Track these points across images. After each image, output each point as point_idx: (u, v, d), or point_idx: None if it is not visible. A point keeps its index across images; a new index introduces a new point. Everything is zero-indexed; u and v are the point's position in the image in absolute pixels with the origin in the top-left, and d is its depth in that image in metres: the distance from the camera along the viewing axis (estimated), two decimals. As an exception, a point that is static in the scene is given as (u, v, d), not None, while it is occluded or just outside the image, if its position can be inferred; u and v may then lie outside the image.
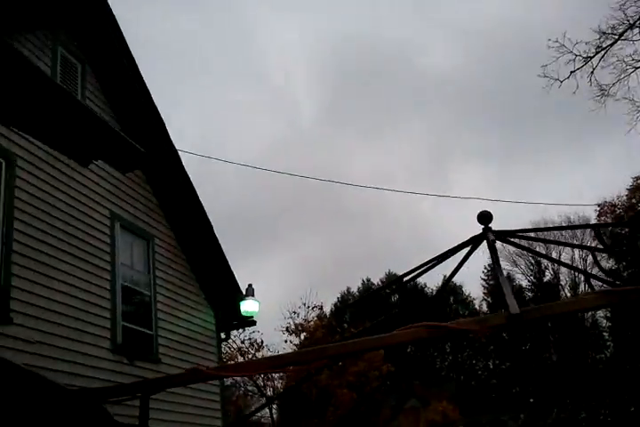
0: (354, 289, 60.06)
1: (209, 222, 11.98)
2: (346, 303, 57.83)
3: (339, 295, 58.24)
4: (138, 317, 9.66)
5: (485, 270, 58.11)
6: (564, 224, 52.99)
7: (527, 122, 62.79)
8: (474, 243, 5.14)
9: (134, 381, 8.40)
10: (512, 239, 5.27)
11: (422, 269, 4.97)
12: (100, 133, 4.07)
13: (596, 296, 2.87)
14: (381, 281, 60.51)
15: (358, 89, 65.82)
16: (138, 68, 10.68)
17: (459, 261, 5.29)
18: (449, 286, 56.80)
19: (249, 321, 12.68)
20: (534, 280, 57.41)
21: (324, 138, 65.62)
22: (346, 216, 65.57)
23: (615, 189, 61.46)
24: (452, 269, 5.69)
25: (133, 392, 3.67)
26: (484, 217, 5.12)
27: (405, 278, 5.32)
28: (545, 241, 35.88)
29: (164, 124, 11.02)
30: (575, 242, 51.23)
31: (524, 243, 6.83)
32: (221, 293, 12.14)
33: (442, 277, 56.99)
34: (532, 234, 6.02)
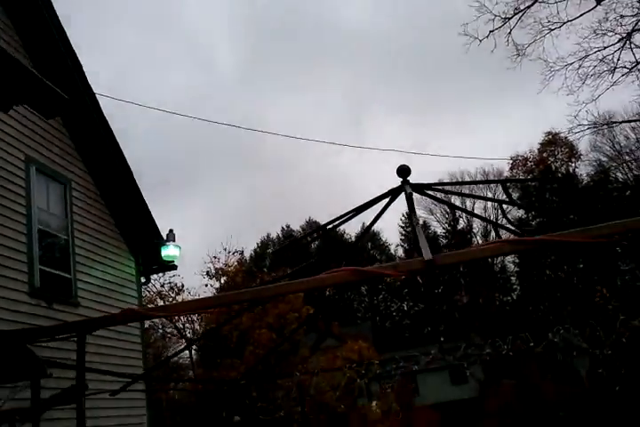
0: (273, 235, 60.59)
1: (128, 167, 11.87)
2: (265, 248, 58.38)
3: (259, 241, 58.65)
4: (55, 261, 9.61)
5: (403, 218, 59.60)
6: (479, 176, 54.71)
7: (445, 78, 63.74)
8: (392, 194, 5.41)
9: (54, 324, 8.48)
10: (428, 192, 5.58)
11: (344, 218, 5.22)
12: (20, 78, 4.04)
13: (502, 244, 3.16)
14: (302, 228, 61.26)
15: (278, 41, 64.95)
16: (53, 7, 10.31)
17: (378, 211, 5.59)
18: (369, 234, 58.12)
19: (169, 266, 12.77)
20: (449, 228, 59.33)
21: (243, 88, 64.72)
22: (266, 165, 65.56)
23: (527, 144, 63.70)
24: (372, 218, 6.00)
25: (70, 331, 3.76)
26: (403, 171, 5.37)
27: (328, 227, 5.59)
28: (458, 194, 37.07)
29: (81, 67, 10.74)
30: (489, 194, 53.21)
31: (440, 195, 7.22)
32: (141, 238, 12.14)
33: (362, 226, 58.15)
34: (448, 187, 6.37)
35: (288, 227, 60.62)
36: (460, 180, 51.92)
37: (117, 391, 4.06)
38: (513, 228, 7.15)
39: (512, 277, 53.84)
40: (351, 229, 59.95)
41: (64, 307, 9.35)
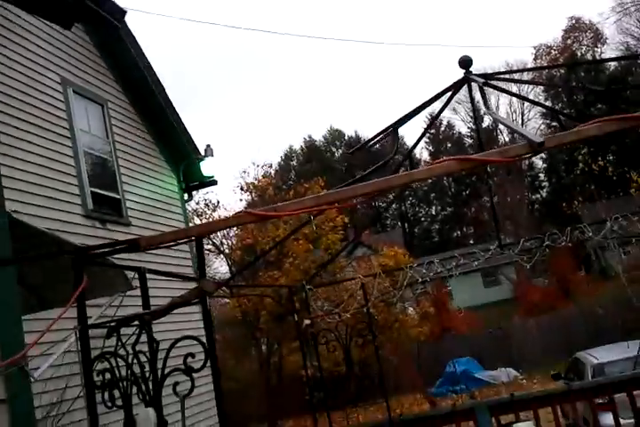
0: (296, 146, 60.22)
1: (160, 82, 11.73)
2: (289, 161, 58.27)
3: (282, 154, 58.40)
4: (104, 182, 9.69)
5: (426, 119, 58.66)
6: (502, 68, 53.36)
7: None
8: (456, 87, 5.28)
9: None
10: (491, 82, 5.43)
11: (411, 114, 5.13)
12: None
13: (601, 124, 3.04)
14: (324, 137, 60.76)
15: None
16: None
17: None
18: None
19: (210, 181, 12.84)
20: (473, 127, 58.44)
21: None
22: (279, 75, 64.22)
23: (549, 32, 61.31)
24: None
25: (187, 237, 3.73)
26: (465, 62, 5.20)
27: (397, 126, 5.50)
28: (523, 82, 35.59)
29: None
30: (513, 86, 51.89)
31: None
32: (180, 154, 12.17)
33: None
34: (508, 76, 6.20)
35: (310, 137, 60.14)
36: (483, 70, 50.77)
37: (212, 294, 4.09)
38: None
39: (540, 174, 53.52)
40: (373, 133, 59.41)
41: (117, 227, 9.52)
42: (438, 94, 5.13)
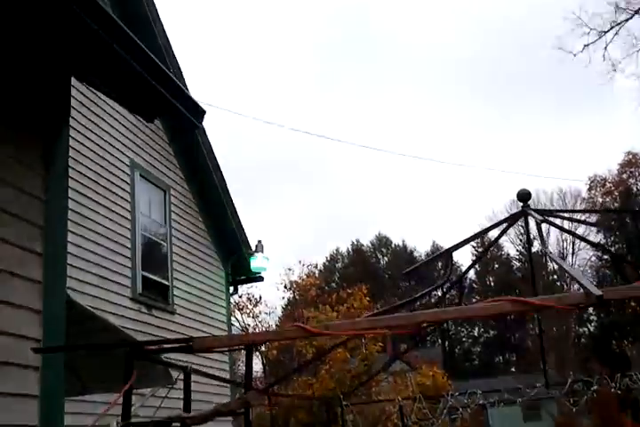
0: (343, 249, 60.31)
1: (222, 176, 11.96)
2: (335, 263, 58.23)
3: (328, 255, 58.48)
4: (155, 267, 9.69)
5: (476, 243, 58.63)
6: (555, 195, 53.54)
7: (516, 95, 62.65)
8: (514, 219, 5.21)
9: (152, 330, 8.52)
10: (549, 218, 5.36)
11: (466, 241, 5.05)
12: (166, 87, 3.99)
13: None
14: (371, 243, 60.91)
15: (351, 56, 65.21)
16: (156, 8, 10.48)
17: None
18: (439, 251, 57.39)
19: (257, 277, 12.78)
20: (522, 250, 57.90)
21: (312, 105, 65.16)
22: (333, 179, 65.61)
23: (605, 164, 61.74)
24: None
25: (240, 344, 3.66)
26: (524, 195, 5.17)
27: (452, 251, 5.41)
28: (578, 221, 35.50)
29: (181, 73, 10.86)
30: (566, 214, 51.61)
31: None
32: (232, 247, 12.19)
33: (432, 244, 56.67)
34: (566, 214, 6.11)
35: (358, 241, 60.31)
36: (535, 199, 51.13)
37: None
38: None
39: (589, 308, 52.07)
40: (421, 245, 59.50)
41: (161, 313, 9.41)
42: (495, 224, 5.09)
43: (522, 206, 4.68)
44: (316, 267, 29.01)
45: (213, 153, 11.69)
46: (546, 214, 5.73)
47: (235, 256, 12.23)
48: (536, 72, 56.89)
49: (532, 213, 4.99)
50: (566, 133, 62.76)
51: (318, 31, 66.72)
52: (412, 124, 65.67)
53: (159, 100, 4.09)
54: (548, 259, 53.70)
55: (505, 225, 5.97)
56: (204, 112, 4.42)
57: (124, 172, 9.37)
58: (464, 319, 56.97)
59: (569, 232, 22.24)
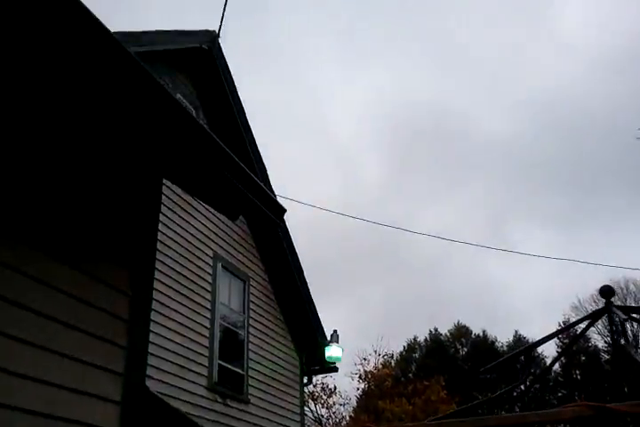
0: (420, 338, 59.03)
1: (300, 266, 12.27)
2: (412, 352, 56.96)
3: (405, 344, 57.30)
4: (232, 356, 9.90)
5: (559, 328, 56.35)
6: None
7: (596, 192, 61.71)
8: (595, 316, 5.19)
9: (226, 420, 8.63)
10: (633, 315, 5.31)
11: (547, 338, 5.05)
12: (249, 189, 4.33)
13: None
14: (449, 332, 59.48)
15: (420, 150, 66.38)
16: (246, 118, 11.24)
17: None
18: (522, 343, 55.36)
19: (331, 367, 12.77)
20: (610, 342, 55.20)
21: (385, 198, 66.02)
22: (410, 268, 65.21)
23: None
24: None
25: None
26: (607, 292, 5.17)
27: (532, 346, 5.41)
28: None
29: (266, 172, 11.44)
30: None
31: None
32: (307, 336, 12.31)
33: (514, 334, 54.88)
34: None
35: (436, 330, 58.98)
36: (624, 288, 49.40)
37: None
38: None
39: None
40: (502, 336, 57.57)
41: (236, 403, 9.53)
42: (578, 321, 5.08)
43: (605, 303, 4.71)
44: (392, 357, 28.58)
45: (292, 243, 12.08)
46: (632, 311, 5.67)
47: (310, 346, 12.33)
48: (616, 161, 56.09)
49: (616, 310, 4.99)
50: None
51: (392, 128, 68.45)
52: (492, 216, 65.46)
53: (242, 201, 4.45)
54: (637, 350, 51.04)
55: (588, 321, 5.93)
56: (284, 211, 4.74)
57: (206, 263, 9.81)
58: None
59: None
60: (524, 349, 5.38)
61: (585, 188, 62.41)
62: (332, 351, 12.29)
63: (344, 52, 68.41)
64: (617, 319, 5.06)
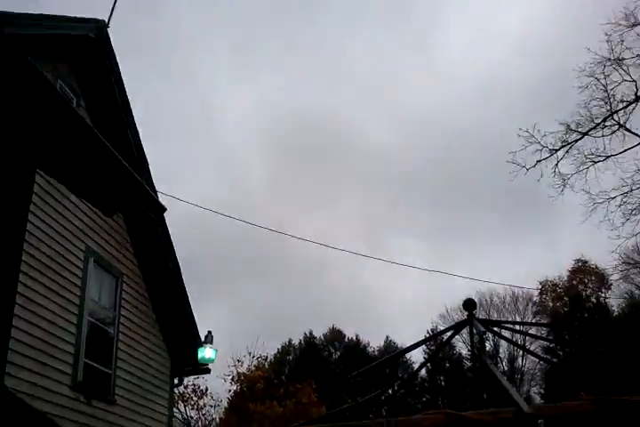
0: (295, 341, 59.48)
1: (178, 265, 12.03)
2: (286, 355, 57.25)
3: (279, 346, 57.53)
4: (99, 354, 9.56)
5: (427, 335, 58.48)
6: (508, 298, 54.74)
7: (466, 206, 64.97)
8: (458, 327, 5.43)
9: (90, 421, 8.32)
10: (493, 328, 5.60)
11: (412, 347, 5.22)
12: (128, 185, 4.21)
13: (592, 402, 3.12)
14: (324, 335, 60.31)
15: (302, 160, 67.40)
16: (131, 112, 10.94)
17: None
18: (391, 348, 56.93)
19: (203, 369, 12.59)
20: (474, 350, 57.82)
21: (266, 204, 66.45)
22: (288, 272, 65.83)
23: (557, 269, 63.61)
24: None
25: None
26: (469, 305, 5.40)
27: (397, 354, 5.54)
28: (524, 333, 36.22)
29: (149, 169, 11.15)
30: (517, 317, 52.90)
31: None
32: (180, 336, 12.09)
33: (385, 339, 56.44)
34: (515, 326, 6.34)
35: (311, 333, 59.59)
36: (489, 300, 52.31)
37: None
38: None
39: None
40: (374, 341, 59.01)
41: (101, 404, 9.20)
42: (442, 331, 5.30)
43: (467, 315, 4.91)
44: (266, 359, 28.55)
45: (170, 241, 11.81)
46: (491, 324, 5.99)
47: (182, 346, 12.10)
48: (492, 182, 59.16)
49: (476, 322, 5.23)
50: (520, 239, 64.74)
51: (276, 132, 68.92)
52: (370, 226, 67.31)
53: (120, 198, 4.31)
54: (499, 361, 53.87)
55: (452, 332, 6.20)
56: (164, 210, 4.63)
57: (78, 257, 9.42)
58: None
59: (510, 342, 22.38)
60: (393, 355, 5.56)
61: (457, 203, 65.38)
62: (205, 353, 12.11)
63: (237, 56, 68.08)
64: (477, 331, 5.32)
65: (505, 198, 61.03)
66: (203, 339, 12.31)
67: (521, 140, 19.75)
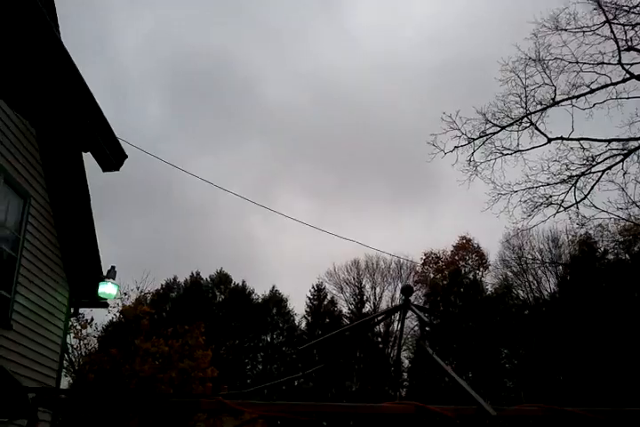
0: (180, 280, 59.22)
1: (88, 194, 11.56)
2: (170, 291, 56.94)
3: (163, 282, 57.11)
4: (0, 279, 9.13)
5: (312, 290, 59.74)
6: (393, 264, 56.75)
7: (364, 170, 66.22)
8: (393, 311, 5.58)
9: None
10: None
11: (348, 328, 5.25)
12: (97, 124, 3.96)
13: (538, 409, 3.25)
14: (210, 277, 60.32)
15: (204, 102, 66.26)
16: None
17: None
18: (276, 298, 57.78)
19: (101, 302, 12.32)
20: (354, 309, 59.72)
21: (165, 136, 65.10)
22: (179, 211, 65.23)
23: (443, 243, 66.66)
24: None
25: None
26: (407, 290, 5.51)
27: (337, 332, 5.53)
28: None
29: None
30: (399, 283, 55.15)
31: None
32: (82, 268, 11.73)
33: (271, 286, 57.11)
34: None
35: (198, 273, 59.45)
36: (375, 264, 54.22)
37: None
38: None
39: None
40: (259, 288, 59.81)
41: (-3, 329, 8.84)
42: (380, 313, 5.41)
43: (404, 300, 5.00)
44: (156, 296, 28.35)
45: (83, 170, 11.28)
46: (426, 312, 6.14)
47: (83, 277, 11.77)
48: (386, 153, 60.40)
49: (415, 309, 5.32)
50: (409, 211, 66.88)
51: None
52: (262, 177, 67.50)
53: (87, 137, 4.02)
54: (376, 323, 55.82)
55: (384, 315, 6.31)
56: (125, 157, 4.38)
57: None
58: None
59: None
60: (330, 334, 5.57)
61: (352, 167, 66.53)
62: (106, 288, 11.84)
63: None
64: (419, 321, 5.43)
65: (399, 171, 62.75)
66: (105, 273, 12.01)
67: (439, 123, 20.23)
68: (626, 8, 17.88)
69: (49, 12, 9.43)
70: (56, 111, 3.83)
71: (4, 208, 9.49)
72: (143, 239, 63.08)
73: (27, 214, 10.03)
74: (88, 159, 11.29)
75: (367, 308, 58.79)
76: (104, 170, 6.21)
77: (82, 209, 11.41)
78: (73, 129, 3.95)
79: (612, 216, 20.06)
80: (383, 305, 56.95)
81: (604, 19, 18.19)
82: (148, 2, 65.61)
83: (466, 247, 59.06)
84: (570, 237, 42.86)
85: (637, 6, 17.92)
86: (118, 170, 5.65)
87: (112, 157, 4.15)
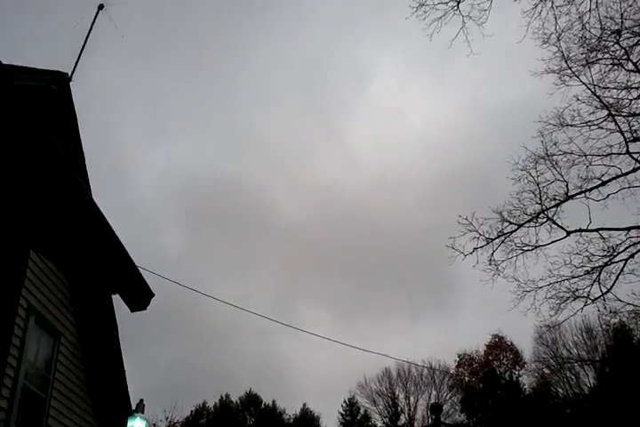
0: (210, 404, 57.62)
1: (116, 326, 11.60)
2: (199, 418, 55.21)
3: (193, 408, 55.56)
4: (28, 421, 9.01)
5: (344, 404, 57.76)
6: (425, 370, 55.51)
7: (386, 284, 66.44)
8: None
9: None
10: None
11: None
12: (124, 268, 4.12)
13: None
14: (239, 399, 58.71)
15: (220, 227, 68.46)
16: (85, 168, 10.66)
17: None
18: (308, 416, 55.83)
19: (132, 440, 12.00)
20: (389, 422, 57.49)
21: (186, 269, 66.31)
22: (203, 334, 65.02)
23: (475, 343, 65.29)
24: None
25: None
26: (436, 408, 5.46)
27: None
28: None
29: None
30: (434, 390, 53.34)
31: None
32: (110, 403, 11.57)
33: (302, 406, 55.61)
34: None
35: (227, 396, 57.90)
36: (406, 371, 53.12)
37: None
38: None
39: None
40: (290, 407, 57.96)
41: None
42: None
43: (434, 419, 4.95)
44: (182, 424, 27.59)
45: (112, 304, 11.40)
46: None
47: (112, 413, 11.57)
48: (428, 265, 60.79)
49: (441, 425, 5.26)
50: (435, 315, 66.11)
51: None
52: (283, 296, 67.98)
53: (116, 280, 4.18)
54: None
55: None
56: (152, 295, 4.50)
57: (19, 315, 8.97)
58: None
59: None
60: None
61: (364, 280, 67.05)
62: (135, 423, 11.59)
63: (153, 117, 69.30)
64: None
65: (416, 277, 62.88)
66: (134, 407, 11.81)
67: (457, 226, 20.40)
68: (627, 100, 18.46)
69: (79, 167, 9.97)
70: (86, 261, 4.02)
71: (35, 349, 9.53)
72: (170, 365, 62.15)
73: (57, 353, 10.06)
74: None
75: (402, 420, 56.45)
76: (132, 310, 6.31)
77: (111, 343, 11.43)
78: (102, 276, 4.12)
79: (637, 308, 19.66)
80: (419, 415, 54.83)
81: (607, 112, 18.74)
82: (161, 136, 68.86)
83: (499, 345, 57.58)
84: (604, 326, 41.77)
85: (637, 98, 18.50)
86: (145, 309, 5.76)
87: (139, 297, 4.28)
